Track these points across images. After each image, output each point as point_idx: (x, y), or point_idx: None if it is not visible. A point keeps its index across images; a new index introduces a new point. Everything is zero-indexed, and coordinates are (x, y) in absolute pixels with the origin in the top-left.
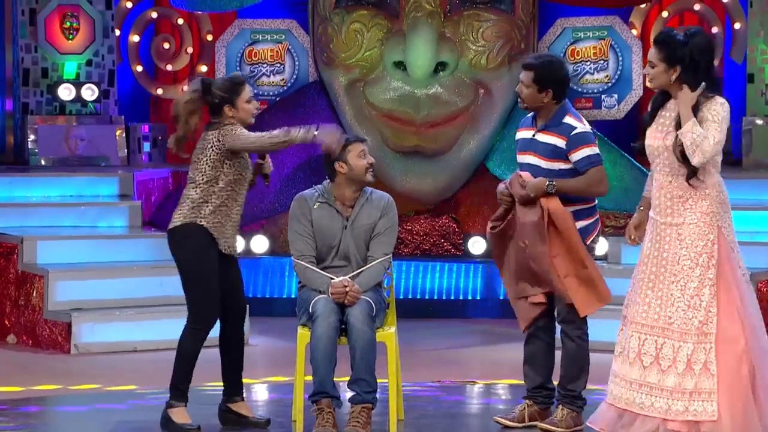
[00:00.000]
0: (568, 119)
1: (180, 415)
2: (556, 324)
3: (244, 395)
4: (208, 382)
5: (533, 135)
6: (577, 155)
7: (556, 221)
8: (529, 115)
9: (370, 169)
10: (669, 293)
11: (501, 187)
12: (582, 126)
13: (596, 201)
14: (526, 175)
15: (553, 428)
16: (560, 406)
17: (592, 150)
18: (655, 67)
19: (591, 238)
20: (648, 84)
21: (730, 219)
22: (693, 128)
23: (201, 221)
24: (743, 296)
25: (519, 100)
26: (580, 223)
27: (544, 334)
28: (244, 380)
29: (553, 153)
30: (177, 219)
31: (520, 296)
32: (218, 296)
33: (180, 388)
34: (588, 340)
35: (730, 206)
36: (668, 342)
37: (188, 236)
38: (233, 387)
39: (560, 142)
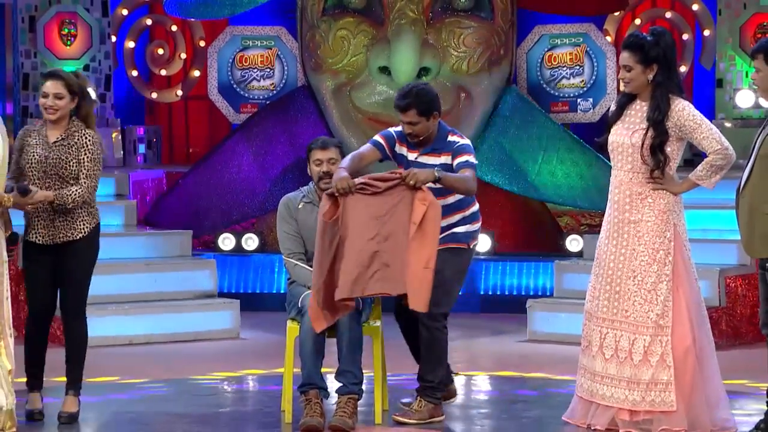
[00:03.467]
0: (452, 138)
1: (29, 402)
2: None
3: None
4: (198, 375)
5: (416, 157)
6: (459, 159)
7: (429, 213)
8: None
9: (325, 178)
10: (626, 288)
11: (345, 173)
12: (463, 141)
13: (477, 206)
14: (406, 170)
15: (407, 420)
16: (419, 398)
17: (472, 158)
18: (632, 70)
19: (474, 243)
20: (625, 88)
21: (684, 218)
22: (704, 172)
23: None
24: (694, 293)
25: (416, 139)
26: (468, 227)
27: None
28: (237, 372)
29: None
30: None
31: (352, 295)
32: (31, 290)
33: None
34: (445, 330)
35: (683, 206)
36: (625, 335)
37: None
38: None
39: (449, 159)
